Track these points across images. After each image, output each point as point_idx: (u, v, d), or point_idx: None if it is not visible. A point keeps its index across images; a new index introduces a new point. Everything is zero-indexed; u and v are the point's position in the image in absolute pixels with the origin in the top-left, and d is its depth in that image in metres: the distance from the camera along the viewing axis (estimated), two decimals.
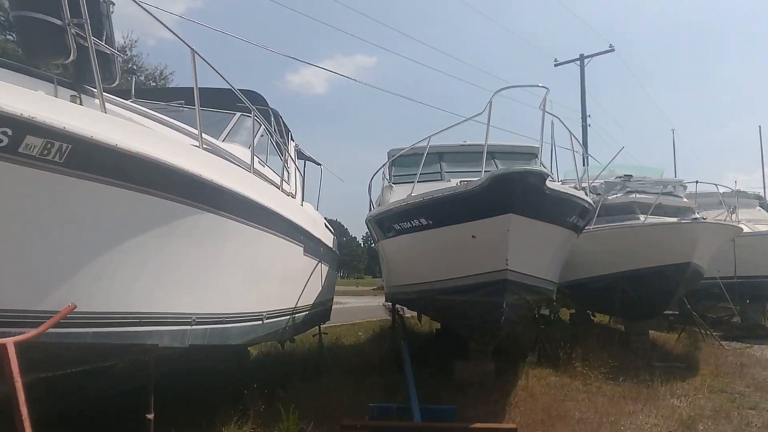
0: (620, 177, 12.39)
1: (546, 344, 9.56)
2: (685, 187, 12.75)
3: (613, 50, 23.72)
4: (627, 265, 10.34)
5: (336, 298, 26.72)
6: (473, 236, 6.07)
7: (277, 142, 6.98)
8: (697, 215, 11.82)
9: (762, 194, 18.34)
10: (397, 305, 10.39)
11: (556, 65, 25.28)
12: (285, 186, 6.60)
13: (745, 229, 15.53)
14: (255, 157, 5.83)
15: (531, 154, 9.63)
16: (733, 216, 11.93)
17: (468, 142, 9.62)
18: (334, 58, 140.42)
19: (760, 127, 37.08)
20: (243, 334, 5.23)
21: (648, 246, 9.77)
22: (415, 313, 11.72)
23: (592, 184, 12.92)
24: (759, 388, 7.93)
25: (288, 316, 6.01)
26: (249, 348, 8.96)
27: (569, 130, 6.80)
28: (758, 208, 17.50)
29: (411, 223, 6.70)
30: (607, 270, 10.93)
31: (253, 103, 6.51)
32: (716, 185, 10.42)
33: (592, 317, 14.59)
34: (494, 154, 9.48)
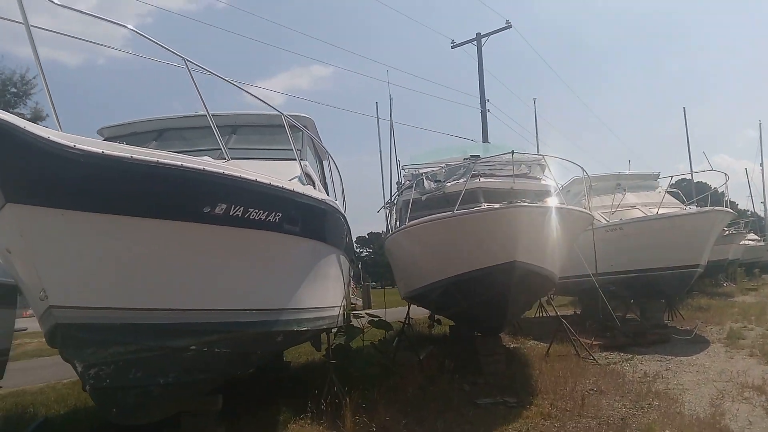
0: (466, 159, 10.00)
1: (336, 386, 6.99)
2: (543, 167, 10.47)
3: (510, 27, 21.62)
4: (452, 268, 7.91)
5: None
6: None
7: None
8: (556, 200, 9.53)
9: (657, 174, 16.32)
10: None
11: (453, 47, 23.05)
12: None
13: (637, 214, 13.53)
14: None
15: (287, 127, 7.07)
16: (595, 201, 9.62)
17: (200, 113, 7.02)
18: (291, 70, 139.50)
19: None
20: None
21: (466, 243, 7.36)
22: None
23: (432, 171, 10.59)
24: None
25: None
26: None
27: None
28: (658, 190, 15.49)
29: None
30: (439, 275, 8.50)
31: None
32: (555, 159, 7.90)
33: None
34: (236, 127, 6.92)
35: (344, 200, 8.71)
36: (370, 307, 24.57)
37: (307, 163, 6.39)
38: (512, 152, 8.15)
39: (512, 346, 11.67)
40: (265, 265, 4.80)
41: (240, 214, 4.15)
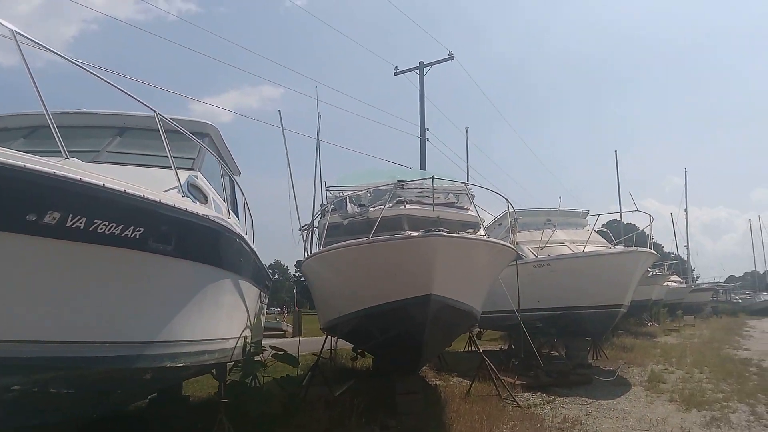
0: (393, 184, 9.51)
1: (225, 427, 6.16)
2: (471, 197, 10.14)
3: (452, 58, 21.76)
4: (367, 300, 7.31)
5: None
6: None
7: None
8: (482, 232, 9.17)
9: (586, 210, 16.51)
10: None
11: (396, 74, 22.95)
12: None
13: (565, 251, 13.45)
14: None
15: (201, 134, 6.39)
16: (525, 235, 9.34)
17: (85, 110, 6.22)
18: (240, 89, 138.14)
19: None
20: None
21: (381, 273, 6.79)
22: None
23: (357, 194, 10.05)
24: None
25: None
26: None
27: None
28: (587, 228, 15.58)
29: None
30: (354, 306, 7.86)
31: None
32: (483, 189, 7.55)
33: None
34: (124, 129, 6.14)
35: (251, 220, 7.99)
36: (300, 335, 23.62)
37: (198, 174, 5.64)
38: (432, 177, 7.73)
39: (435, 382, 11.11)
40: (122, 290, 4.01)
41: (82, 226, 3.39)
